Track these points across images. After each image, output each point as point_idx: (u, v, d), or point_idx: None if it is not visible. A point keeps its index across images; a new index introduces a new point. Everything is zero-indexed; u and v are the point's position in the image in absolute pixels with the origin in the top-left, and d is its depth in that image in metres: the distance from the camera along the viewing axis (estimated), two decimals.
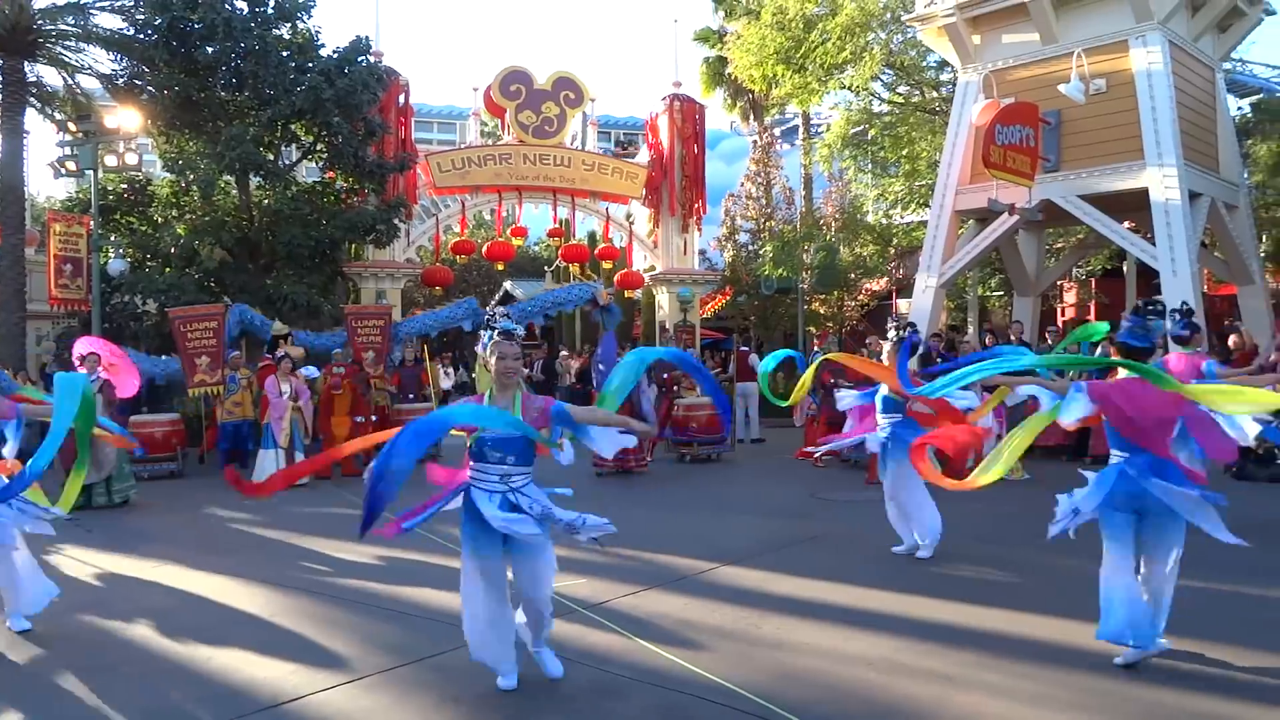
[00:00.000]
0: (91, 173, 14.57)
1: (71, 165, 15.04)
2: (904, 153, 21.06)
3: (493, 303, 29.29)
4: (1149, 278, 14.75)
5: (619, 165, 20.54)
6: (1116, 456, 4.40)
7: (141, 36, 15.19)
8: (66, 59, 16.37)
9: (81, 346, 9.51)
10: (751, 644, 4.79)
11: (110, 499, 9.61)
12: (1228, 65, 17.92)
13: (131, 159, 15.00)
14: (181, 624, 5.30)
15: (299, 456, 10.88)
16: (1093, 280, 21.17)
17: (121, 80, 15.94)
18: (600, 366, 10.75)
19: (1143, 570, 4.39)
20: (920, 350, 12.01)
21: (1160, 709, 3.85)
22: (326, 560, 6.98)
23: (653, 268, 21.02)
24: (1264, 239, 17.10)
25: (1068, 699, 3.98)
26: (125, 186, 16.50)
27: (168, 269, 15.40)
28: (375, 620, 5.36)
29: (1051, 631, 4.84)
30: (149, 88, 15.66)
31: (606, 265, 21.41)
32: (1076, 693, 4.04)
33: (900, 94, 22.44)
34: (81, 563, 7.11)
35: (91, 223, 14.99)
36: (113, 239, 15.95)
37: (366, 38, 16.02)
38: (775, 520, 8.26)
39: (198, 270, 15.07)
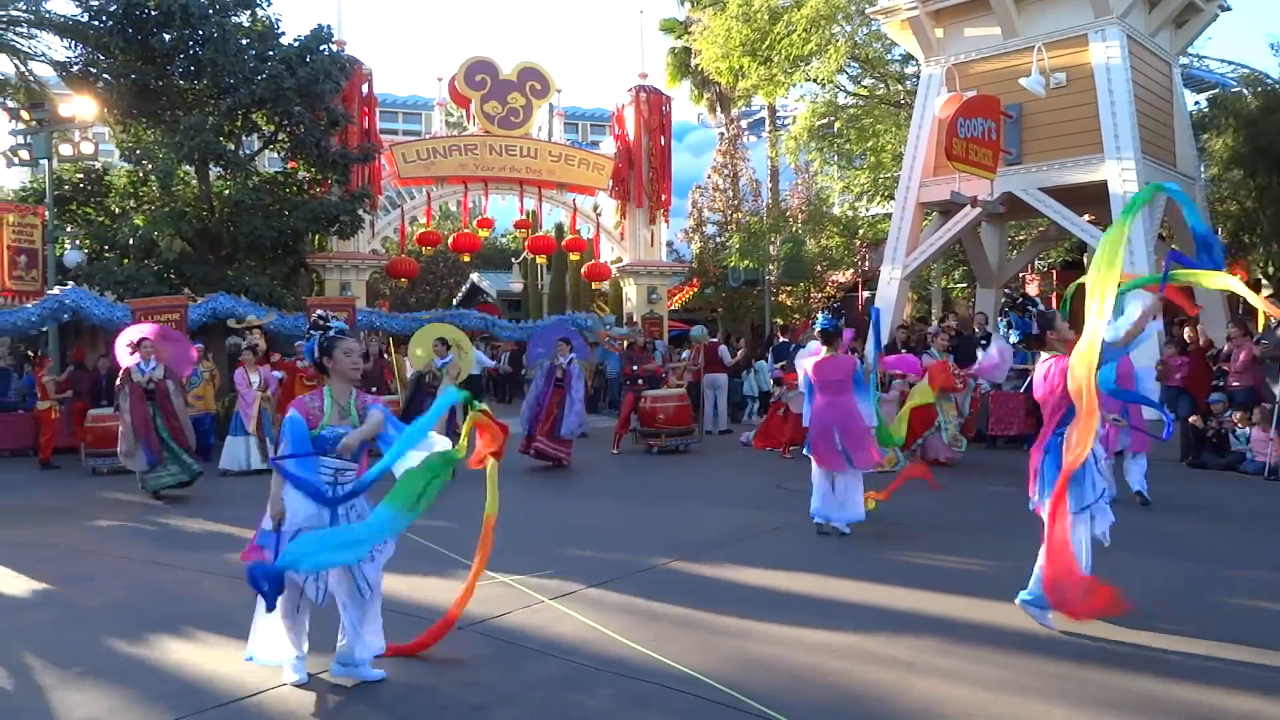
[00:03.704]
0: (46, 162, 14.27)
1: (25, 155, 14.75)
2: (869, 145, 21.24)
3: (459, 295, 29.12)
4: None
5: (585, 156, 20.48)
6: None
7: (96, 23, 14.85)
8: (18, 46, 15.94)
9: (132, 334, 9.25)
10: (716, 633, 4.82)
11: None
12: (1184, 60, 18.26)
13: (87, 148, 14.74)
14: (140, 619, 5.22)
15: (268, 444, 10.92)
16: (1054, 272, 21.51)
17: (76, 68, 15.58)
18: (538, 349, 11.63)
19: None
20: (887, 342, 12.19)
21: (1117, 693, 3.93)
22: None
23: (620, 259, 21.00)
24: (1219, 232, 17.44)
25: (1025, 683, 4.05)
26: (81, 176, 16.18)
27: (126, 260, 15.13)
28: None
29: (1010, 617, 4.92)
30: (105, 75, 15.32)
31: (574, 257, 21.33)
32: (1034, 676, 4.12)
33: (865, 87, 22.62)
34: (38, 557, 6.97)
35: (46, 213, 14.68)
36: (69, 230, 15.64)
37: (328, 26, 15.83)
38: (740, 511, 8.32)
39: (157, 262, 14.84)
